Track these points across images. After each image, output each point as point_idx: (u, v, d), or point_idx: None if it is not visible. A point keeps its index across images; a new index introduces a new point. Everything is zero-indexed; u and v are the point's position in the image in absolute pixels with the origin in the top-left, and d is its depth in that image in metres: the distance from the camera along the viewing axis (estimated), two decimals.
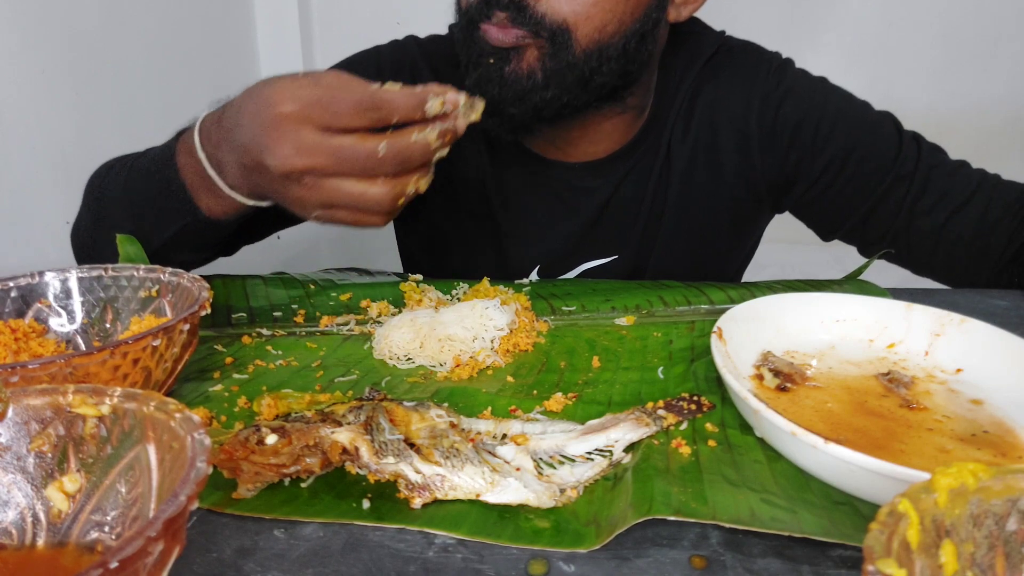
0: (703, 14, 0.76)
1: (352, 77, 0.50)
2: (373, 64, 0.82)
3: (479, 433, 0.44)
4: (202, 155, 0.57)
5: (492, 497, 0.38)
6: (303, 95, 0.48)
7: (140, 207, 0.64)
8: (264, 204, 0.57)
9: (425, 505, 0.38)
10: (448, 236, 0.85)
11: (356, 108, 0.48)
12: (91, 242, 0.69)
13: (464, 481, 0.38)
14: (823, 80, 0.79)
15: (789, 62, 0.79)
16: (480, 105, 0.51)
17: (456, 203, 0.82)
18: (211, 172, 0.56)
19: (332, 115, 0.48)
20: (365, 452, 0.39)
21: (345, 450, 0.40)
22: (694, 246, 0.81)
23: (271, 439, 0.39)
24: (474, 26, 0.67)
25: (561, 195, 0.80)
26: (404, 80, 0.79)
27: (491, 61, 0.67)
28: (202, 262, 0.73)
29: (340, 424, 0.41)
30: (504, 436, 0.44)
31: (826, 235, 0.82)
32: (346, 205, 0.50)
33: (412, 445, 0.41)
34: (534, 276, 0.83)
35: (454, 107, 0.50)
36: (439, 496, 0.38)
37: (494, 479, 0.39)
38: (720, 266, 0.86)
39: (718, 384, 0.51)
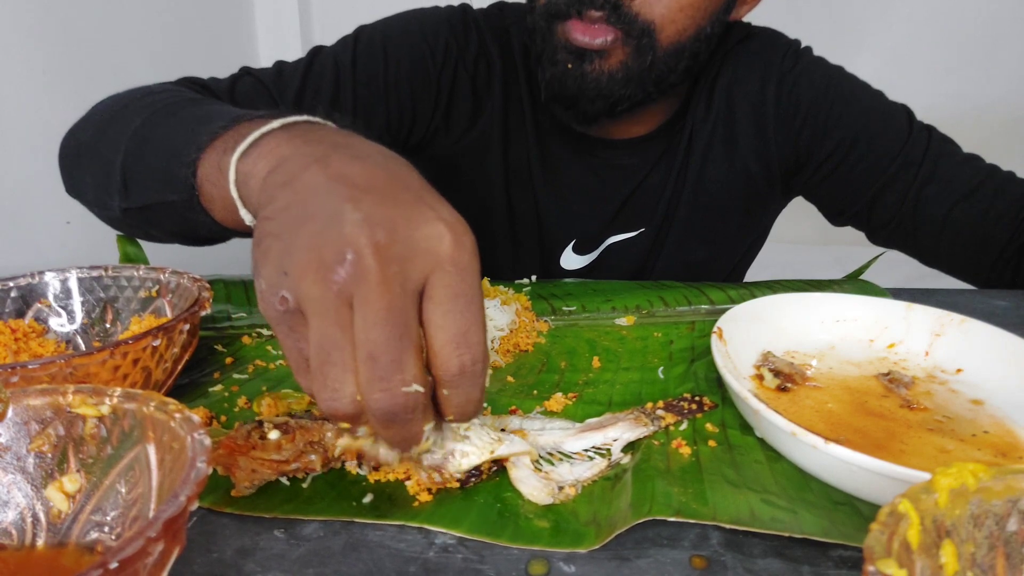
0: None
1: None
2: (446, 17, 0.80)
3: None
4: (254, 137, 0.39)
5: (504, 449, 0.39)
6: (467, 244, 0.33)
7: (146, 156, 0.53)
8: (246, 217, 0.41)
9: (425, 502, 0.38)
10: (489, 209, 0.85)
11: (465, 336, 0.32)
12: (75, 158, 0.61)
13: (475, 443, 0.39)
14: (839, 68, 0.80)
15: (807, 49, 0.81)
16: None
17: (500, 178, 0.83)
18: (240, 149, 0.40)
19: (451, 299, 0.32)
20: (372, 448, 0.39)
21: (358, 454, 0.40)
22: (709, 222, 0.83)
23: (274, 435, 0.39)
24: (557, 20, 0.68)
25: (600, 173, 0.82)
26: (474, 43, 0.79)
27: (569, 66, 0.68)
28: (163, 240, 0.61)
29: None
30: (502, 431, 0.44)
31: (834, 218, 0.83)
32: (316, 341, 0.32)
33: None
34: (568, 252, 0.84)
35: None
36: (453, 469, 0.38)
37: (500, 436, 0.39)
38: (731, 245, 0.87)
39: (718, 384, 0.51)
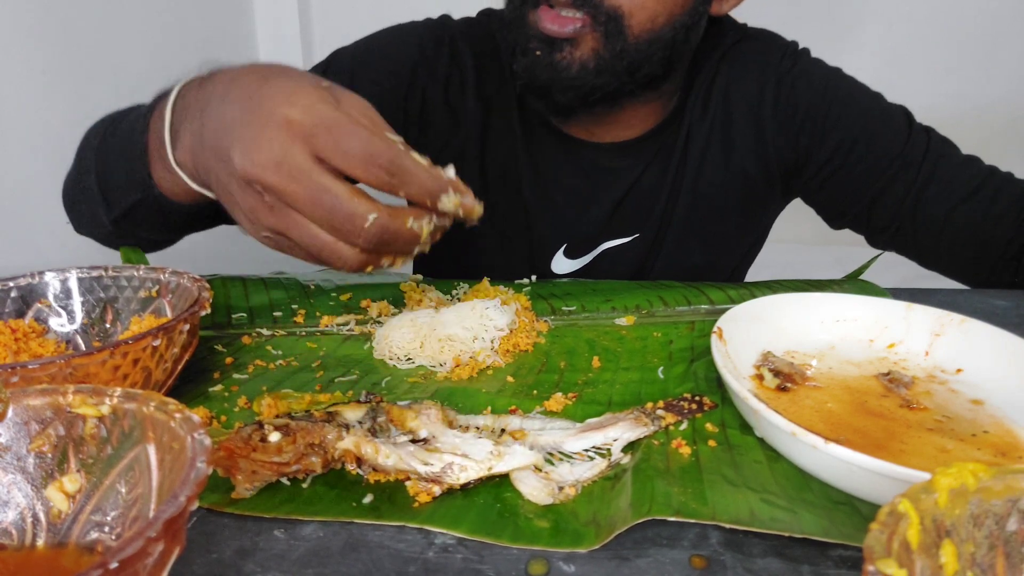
0: None
1: (381, 120, 0.42)
2: (415, 38, 0.81)
3: (477, 428, 0.44)
4: (168, 115, 0.50)
5: (503, 466, 0.39)
6: (318, 111, 0.40)
7: (111, 166, 0.60)
8: (211, 195, 0.50)
9: (425, 503, 0.38)
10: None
11: (368, 158, 0.40)
12: (72, 195, 0.68)
13: (474, 456, 0.39)
14: (837, 69, 0.80)
15: (805, 50, 0.81)
16: (479, 211, 0.46)
17: (487, 183, 0.82)
18: (166, 136, 0.50)
19: (338, 150, 0.39)
20: (372, 453, 0.39)
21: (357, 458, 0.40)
22: (707, 224, 0.82)
23: (274, 436, 0.38)
24: (528, 7, 0.68)
25: (590, 176, 0.81)
26: (445, 59, 0.80)
27: (538, 54, 0.68)
28: (164, 243, 0.71)
29: (346, 425, 0.41)
30: (503, 431, 0.44)
31: (833, 221, 0.83)
32: (304, 246, 0.42)
33: (415, 441, 0.41)
34: (559, 256, 0.84)
35: (466, 214, 0.45)
36: (451, 482, 0.38)
37: (500, 451, 0.39)
38: (730, 248, 0.87)
39: (718, 384, 0.51)
